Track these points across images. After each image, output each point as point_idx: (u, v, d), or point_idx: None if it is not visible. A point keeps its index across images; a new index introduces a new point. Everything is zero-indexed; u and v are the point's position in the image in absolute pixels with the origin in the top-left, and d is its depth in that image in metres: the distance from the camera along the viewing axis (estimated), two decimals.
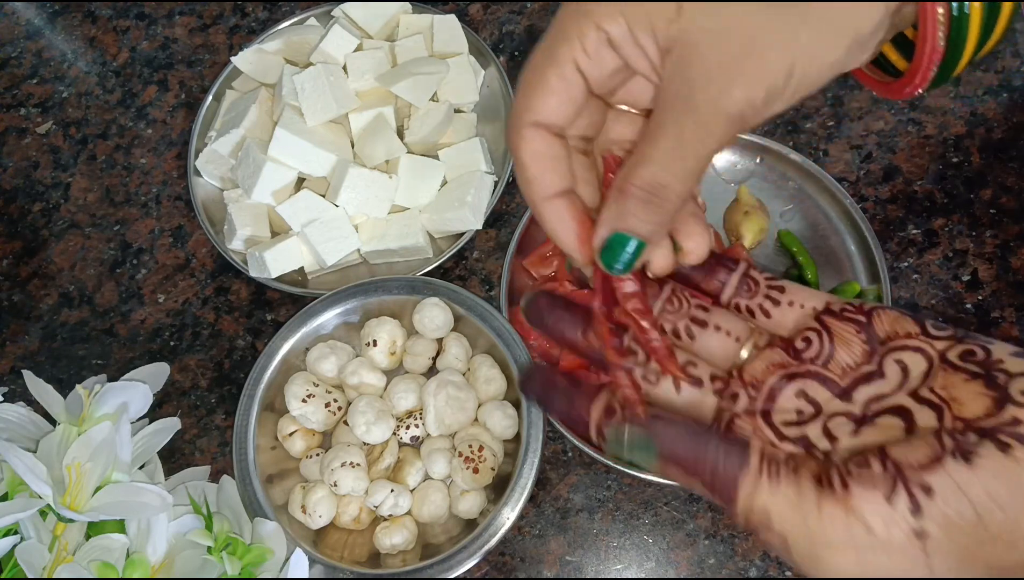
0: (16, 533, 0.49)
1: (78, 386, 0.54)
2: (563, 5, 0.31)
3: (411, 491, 0.56)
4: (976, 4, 0.27)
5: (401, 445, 0.58)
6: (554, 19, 0.31)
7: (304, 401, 0.57)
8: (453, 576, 0.52)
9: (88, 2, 0.82)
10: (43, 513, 0.50)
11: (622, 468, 0.55)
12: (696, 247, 0.33)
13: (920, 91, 0.31)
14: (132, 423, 0.53)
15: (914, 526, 0.24)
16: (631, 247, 0.31)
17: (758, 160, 0.66)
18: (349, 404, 0.58)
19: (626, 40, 0.29)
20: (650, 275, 0.35)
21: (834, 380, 0.30)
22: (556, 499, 0.58)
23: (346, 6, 0.71)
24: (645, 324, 0.36)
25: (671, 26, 0.28)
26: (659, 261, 0.33)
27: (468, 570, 0.53)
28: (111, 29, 0.80)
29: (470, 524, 0.55)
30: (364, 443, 0.57)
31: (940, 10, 0.27)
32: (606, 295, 0.35)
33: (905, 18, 0.29)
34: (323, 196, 0.63)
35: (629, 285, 0.35)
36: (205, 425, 0.63)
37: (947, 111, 0.67)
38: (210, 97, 0.71)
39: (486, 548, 0.52)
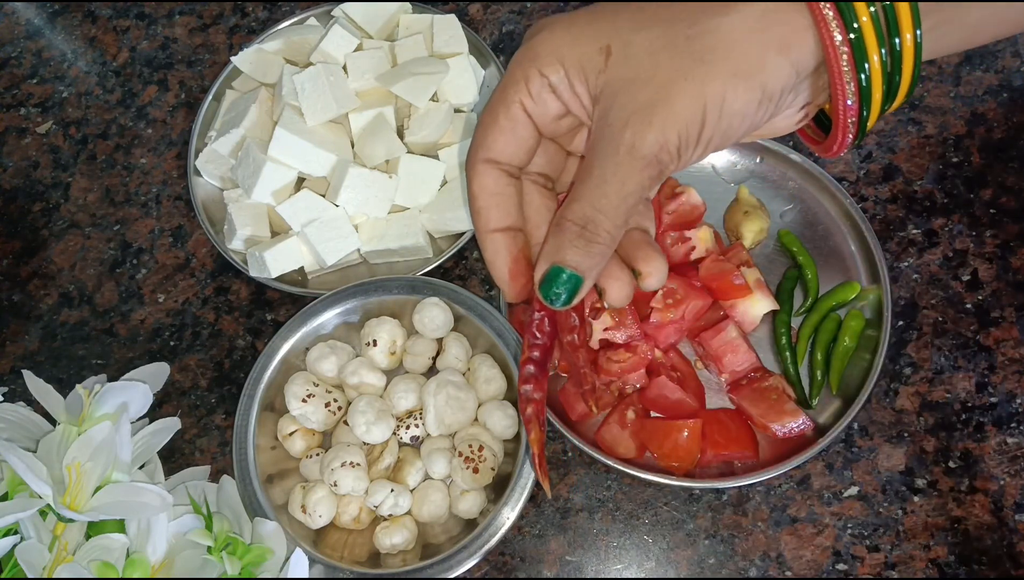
0: (16, 533, 0.49)
1: (78, 386, 0.54)
2: (519, 49, 0.33)
3: (411, 491, 0.56)
4: (875, 58, 0.28)
5: (401, 445, 0.58)
6: (510, 63, 0.34)
7: (304, 401, 0.57)
8: (453, 576, 0.52)
9: (88, 2, 0.82)
10: (43, 513, 0.50)
11: (622, 468, 0.55)
12: (654, 270, 0.35)
13: (846, 149, 0.32)
14: (132, 423, 0.53)
15: None
16: (567, 280, 0.32)
17: (758, 160, 0.66)
18: (349, 404, 0.58)
19: (564, 87, 0.32)
20: (606, 307, 0.37)
21: None
22: (556, 499, 0.58)
23: (346, 6, 0.71)
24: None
25: (599, 76, 0.31)
26: (615, 292, 0.35)
27: (468, 570, 0.53)
28: (111, 29, 0.80)
29: (470, 524, 0.55)
30: (364, 443, 0.57)
31: (846, 67, 0.29)
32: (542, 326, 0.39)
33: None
34: (323, 196, 0.63)
35: (572, 319, 0.39)
36: (205, 425, 0.63)
37: (947, 111, 0.67)
38: (210, 97, 0.71)
39: (486, 548, 0.52)
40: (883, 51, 0.28)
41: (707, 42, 0.29)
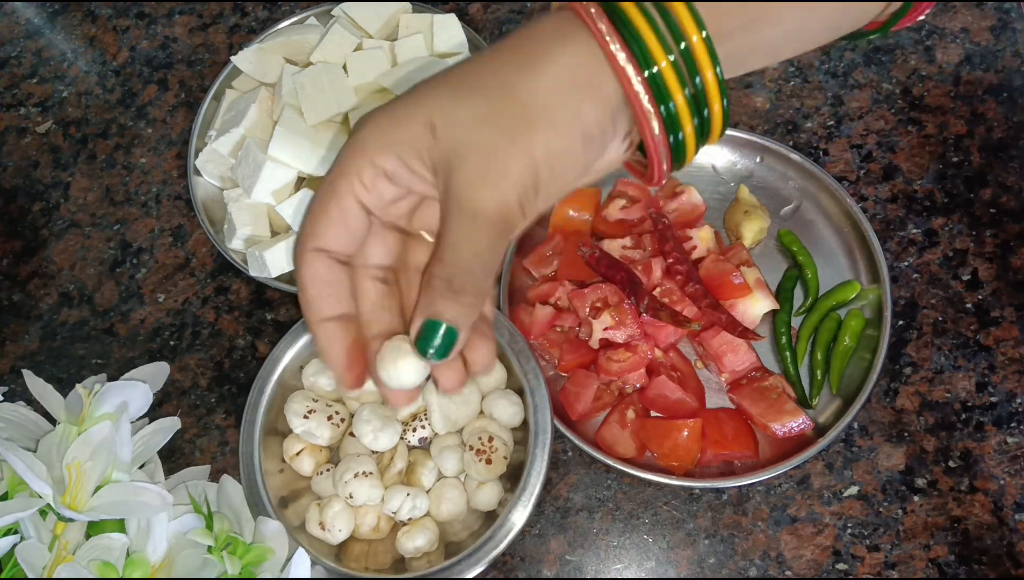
0: (16, 532, 0.49)
1: (78, 386, 0.54)
2: (346, 142, 0.34)
3: (427, 492, 0.56)
4: (679, 97, 0.31)
5: (410, 448, 0.58)
6: (338, 155, 0.34)
7: (306, 417, 0.56)
8: (469, 576, 0.52)
9: (88, 1, 0.82)
10: (43, 512, 0.50)
11: (622, 468, 0.55)
12: (480, 358, 0.37)
13: (664, 178, 0.34)
14: (132, 423, 0.53)
15: None
16: (443, 333, 0.33)
17: (758, 160, 0.66)
18: (352, 415, 0.58)
19: (402, 170, 0.33)
20: (440, 391, 0.38)
21: None
22: (556, 499, 0.58)
23: (346, 6, 0.71)
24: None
25: (433, 150, 0.32)
26: (449, 379, 0.36)
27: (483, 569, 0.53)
28: (111, 28, 0.80)
29: (490, 516, 0.55)
30: (373, 451, 0.57)
31: (647, 105, 0.31)
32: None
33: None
34: None
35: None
36: (205, 425, 0.63)
37: (947, 111, 0.67)
38: (210, 96, 0.71)
39: (508, 541, 0.52)
40: (686, 91, 0.30)
41: (526, 107, 0.31)
